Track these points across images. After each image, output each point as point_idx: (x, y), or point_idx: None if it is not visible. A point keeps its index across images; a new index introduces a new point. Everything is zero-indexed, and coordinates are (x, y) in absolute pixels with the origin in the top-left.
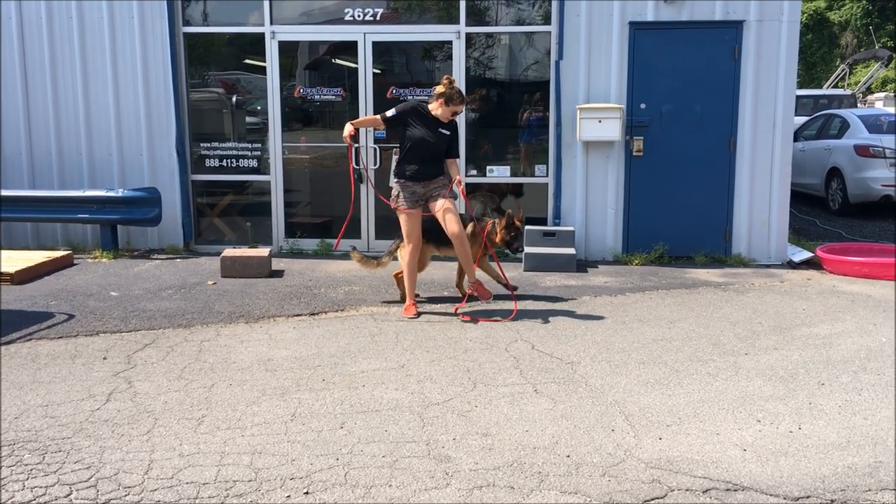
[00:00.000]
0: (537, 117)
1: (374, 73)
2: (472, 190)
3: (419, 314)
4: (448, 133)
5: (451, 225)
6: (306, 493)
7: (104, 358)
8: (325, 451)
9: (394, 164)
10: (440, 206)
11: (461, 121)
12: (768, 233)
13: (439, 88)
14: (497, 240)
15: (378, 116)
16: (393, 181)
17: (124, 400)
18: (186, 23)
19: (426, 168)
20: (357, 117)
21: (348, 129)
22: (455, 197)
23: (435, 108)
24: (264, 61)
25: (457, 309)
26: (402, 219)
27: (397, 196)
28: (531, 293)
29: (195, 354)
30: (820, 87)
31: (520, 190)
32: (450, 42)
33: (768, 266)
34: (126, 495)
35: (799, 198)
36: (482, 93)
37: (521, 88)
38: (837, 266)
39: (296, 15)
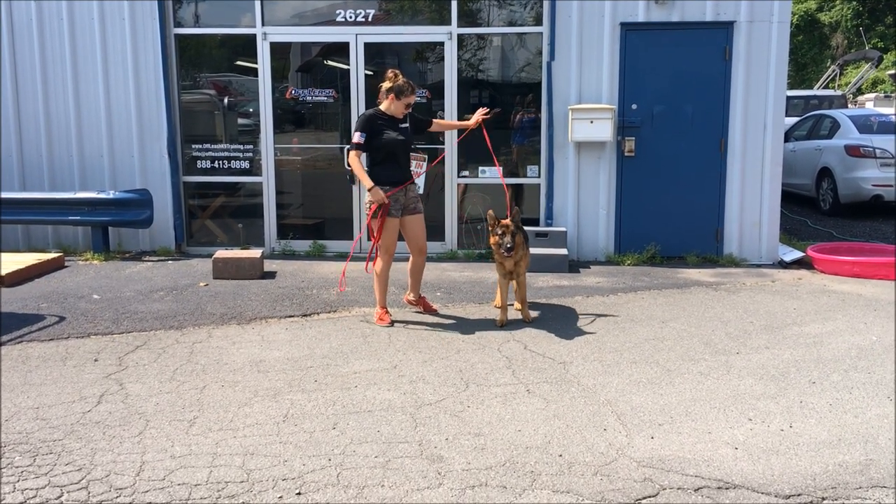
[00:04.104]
0: (529, 118)
1: (367, 75)
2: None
3: (393, 322)
4: (407, 126)
5: (423, 240)
6: (298, 493)
7: (95, 360)
8: (317, 451)
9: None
10: (420, 219)
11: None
12: (759, 233)
13: (386, 84)
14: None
15: (355, 153)
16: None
17: (116, 402)
18: (178, 24)
19: (403, 171)
20: (350, 119)
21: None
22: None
23: (387, 105)
24: (256, 63)
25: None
26: (385, 227)
27: (382, 205)
28: None
29: (187, 356)
30: (811, 87)
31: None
32: (441, 43)
33: (759, 266)
34: (117, 497)
35: (790, 198)
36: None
37: (512, 89)
38: (828, 265)
39: (287, 16)
